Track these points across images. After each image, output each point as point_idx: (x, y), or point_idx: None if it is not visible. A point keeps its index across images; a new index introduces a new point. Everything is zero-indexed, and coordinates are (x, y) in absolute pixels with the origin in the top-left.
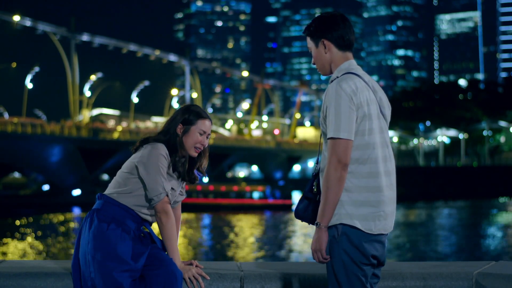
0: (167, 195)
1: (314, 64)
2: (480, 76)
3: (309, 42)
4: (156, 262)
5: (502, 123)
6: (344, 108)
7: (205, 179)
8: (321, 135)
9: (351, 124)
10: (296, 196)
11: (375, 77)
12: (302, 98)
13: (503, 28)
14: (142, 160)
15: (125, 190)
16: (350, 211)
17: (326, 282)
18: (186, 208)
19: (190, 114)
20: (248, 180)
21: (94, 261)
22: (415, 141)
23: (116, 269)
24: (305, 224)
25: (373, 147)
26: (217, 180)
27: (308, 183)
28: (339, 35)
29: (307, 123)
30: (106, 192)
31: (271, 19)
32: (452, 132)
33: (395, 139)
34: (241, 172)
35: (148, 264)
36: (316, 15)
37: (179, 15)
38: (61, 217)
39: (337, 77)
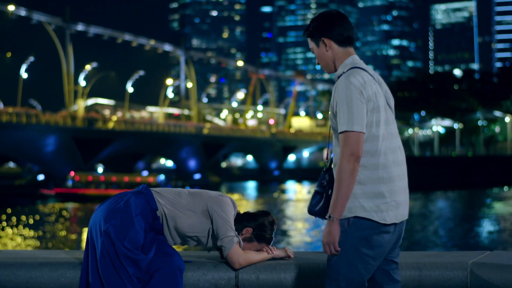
0: (239, 242)
1: (318, 64)
2: (475, 66)
3: (311, 43)
4: (160, 253)
5: (497, 113)
6: (355, 101)
7: (100, 169)
8: (330, 130)
9: (363, 117)
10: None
11: (369, 67)
12: (297, 88)
13: (498, 18)
14: (215, 200)
15: (175, 199)
16: (363, 203)
17: (322, 272)
18: (75, 199)
19: (265, 232)
20: (243, 169)
21: (110, 235)
22: (410, 131)
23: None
24: (299, 214)
25: (382, 138)
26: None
27: (319, 178)
28: (337, 31)
29: (302, 113)
30: (155, 188)
31: (266, 9)
32: (447, 122)
33: None
34: (236, 162)
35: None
36: (311, 5)
37: (174, 5)
38: (56, 207)
39: (343, 72)
